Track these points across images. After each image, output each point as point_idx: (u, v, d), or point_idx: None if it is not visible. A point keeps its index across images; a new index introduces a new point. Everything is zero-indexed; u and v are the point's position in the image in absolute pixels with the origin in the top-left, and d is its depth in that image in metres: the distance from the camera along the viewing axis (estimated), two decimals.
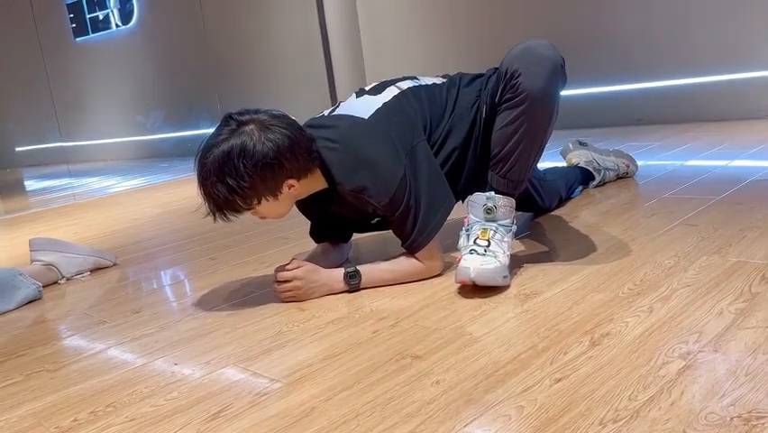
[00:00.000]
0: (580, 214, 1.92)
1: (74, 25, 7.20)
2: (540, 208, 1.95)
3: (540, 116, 1.39)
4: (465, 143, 1.57)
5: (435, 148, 1.55)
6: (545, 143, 1.46)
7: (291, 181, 1.42)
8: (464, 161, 1.59)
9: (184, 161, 5.87)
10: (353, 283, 1.48)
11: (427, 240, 1.46)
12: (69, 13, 7.20)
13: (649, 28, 3.66)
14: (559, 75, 1.39)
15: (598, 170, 2.22)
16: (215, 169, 1.36)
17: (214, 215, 1.41)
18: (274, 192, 1.41)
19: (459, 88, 1.61)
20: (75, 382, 1.20)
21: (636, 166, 2.36)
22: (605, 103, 3.87)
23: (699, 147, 2.82)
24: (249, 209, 1.42)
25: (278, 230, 2.29)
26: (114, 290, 1.83)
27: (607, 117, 3.85)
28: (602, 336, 1.08)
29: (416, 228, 1.45)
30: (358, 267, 1.50)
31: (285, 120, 1.41)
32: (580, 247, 1.60)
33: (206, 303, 1.58)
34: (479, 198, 1.42)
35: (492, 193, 1.41)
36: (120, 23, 6.73)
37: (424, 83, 1.63)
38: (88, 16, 7.03)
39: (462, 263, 1.34)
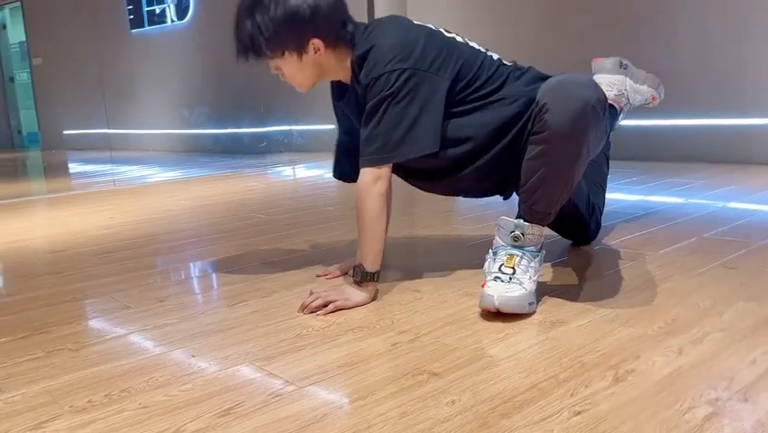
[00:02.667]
0: (616, 244, 1.88)
1: (131, 17, 7.38)
2: (588, 239, 1.90)
3: (563, 155, 1.34)
4: (496, 130, 1.50)
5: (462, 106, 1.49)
6: (575, 180, 1.40)
7: (317, 41, 1.44)
8: (489, 147, 1.52)
9: (223, 157, 5.96)
10: (362, 277, 1.45)
11: (382, 159, 1.41)
12: (128, 5, 7.38)
13: (707, 65, 3.58)
14: (589, 116, 1.31)
15: (624, 108, 1.99)
16: (249, 5, 1.44)
17: (239, 55, 1.48)
18: (299, 48, 1.45)
19: (519, 77, 1.53)
20: (94, 363, 1.22)
21: (661, 96, 2.02)
22: (653, 136, 3.79)
23: (744, 190, 2.74)
24: (272, 57, 1.46)
25: (308, 233, 2.29)
26: (141, 277, 1.85)
27: (654, 151, 3.77)
28: (627, 372, 1.04)
29: (379, 137, 1.41)
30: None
31: None
32: (612, 279, 1.56)
33: (230, 298, 1.58)
34: (507, 224, 1.39)
35: (521, 221, 1.38)
36: (175, 18, 6.87)
37: (490, 53, 1.58)
38: (146, 9, 7.21)
39: (486, 290, 1.32)
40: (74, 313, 1.54)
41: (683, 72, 3.65)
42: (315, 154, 5.18)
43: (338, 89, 1.63)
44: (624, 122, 3.33)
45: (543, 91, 1.37)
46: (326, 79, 1.59)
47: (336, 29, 1.48)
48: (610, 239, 1.95)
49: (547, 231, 1.86)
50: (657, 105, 1.99)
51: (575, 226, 1.83)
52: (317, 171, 4.68)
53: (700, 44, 3.60)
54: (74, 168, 6.55)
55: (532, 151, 1.37)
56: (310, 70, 1.50)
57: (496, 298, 1.29)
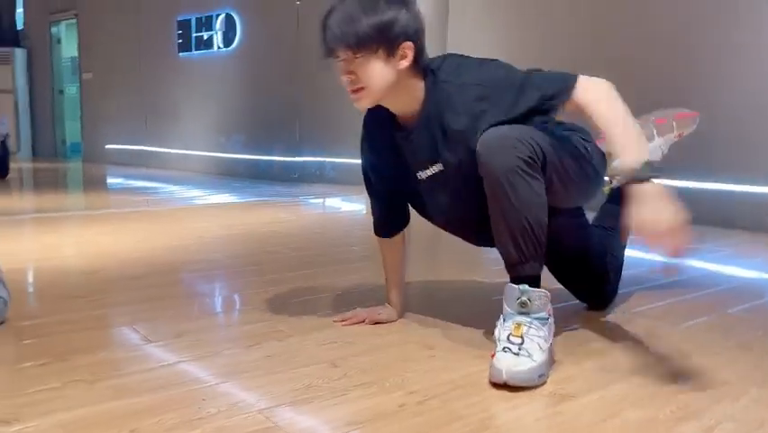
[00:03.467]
0: (636, 313, 1.86)
1: (180, 41, 7.62)
2: (604, 301, 1.89)
3: (505, 194, 1.40)
4: None
5: None
6: (536, 213, 1.42)
7: (408, 45, 1.44)
8: None
9: (257, 183, 6.06)
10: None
11: (572, 77, 1.44)
12: (178, 30, 7.63)
13: (745, 130, 3.55)
14: (510, 153, 1.38)
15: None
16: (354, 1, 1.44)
17: (329, 45, 1.44)
18: (391, 48, 1.43)
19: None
20: (108, 398, 1.25)
21: (688, 128, 1.92)
22: (692, 198, 3.75)
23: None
24: (358, 54, 1.42)
25: (331, 273, 2.32)
26: (164, 307, 1.89)
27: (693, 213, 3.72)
28: None
29: (553, 80, 1.45)
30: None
31: None
32: (628, 352, 1.54)
33: (247, 339, 1.60)
34: (512, 292, 1.40)
35: (526, 286, 1.39)
36: (222, 45, 7.07)
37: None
38: (194, 35, 7.44)
39: (495, 363, 1.32)
40: (95, 342, 1.58)
41: (724, 136, 3.62)
42: (347, 187, 5.23)
43: (385, 125, 1.60)
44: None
45: (481, 141, 1.42)
46: (387, 102, 1.52)
47: (423, 47, 1.48)
48: (630, 307, 1.93)
49: (564, 295, 1.87)
50: (694, 130, 1.94)
51: (588, 282, 1.84)
52: (347, 205, 4.73)
53: (740, 107, 3.57)
54: (111, 183, 6.72)
55: (489, 205, 1.46)
56: (389, 78, 1.45)
57: (504, 372, 1.29)
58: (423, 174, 1.58)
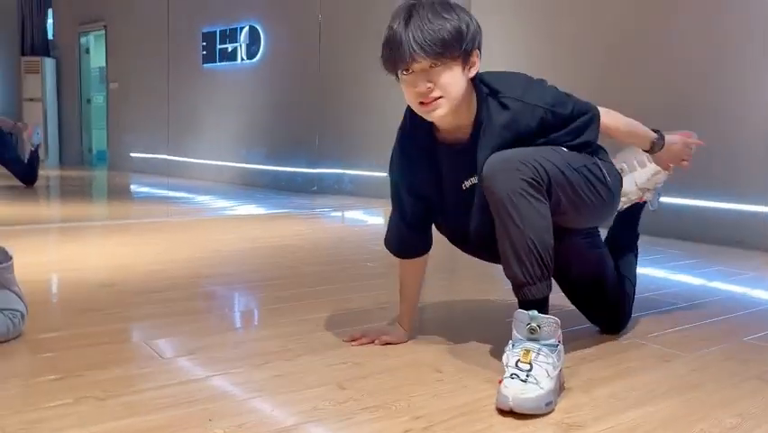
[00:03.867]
0: (651, 339, 1.84)
1: (204, 53, 7.74)
2: (618, 325, 1.88)
3: (509, 215, 1.42)
4: None
5: None
6: (540, 234, 1.43)
7: (477, 53, 1.46)
8: None
9: (278, 194, 6.11)
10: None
11: (594, 108, 1.59)
12: (203, 41, 7.75)
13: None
14: (514, 175, 1.41)
15: (647, 197, 2.00)
16: (431, 2, 1.42)
17: (396, 52, 1.40)
18: (468, 54, 1.44)
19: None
20: (118, 416, 1.26)
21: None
22: (705, 217, 3.70)
23: None
24: (439, 62, 1.40)
25: (345, 291, 2.33)
26: (179, 323, 1.91)
27: (705, 233, 3.68)
28: None
29: (583, 108, 1.58)
30: None
31: None
32: (639, 380, 1.53)
33: (257, 357, 1.62)
34: (522, 317, 1.39)
35: (535, 312, 1.38)
36: (245, 57, 7.17)
37: None
38: (219, 47, 7.55)
39: (502, 389, 1.32)
40: (109, 357, 1.60)
41: (739, 150, 3.57)
42: (364, 200, 5.25)
43: (424, 141, 1.60)
44: (683, 200, 3.24)
45: (486, 163, 1.47)
46: (452, 120, 1.51)
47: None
48: (645, 332, 1.91)
49: (576, 318, 1.86)
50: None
51: (602, 309, 1.83)
52: (364, 218, 4.74)
53: (762, 123, 3.52)
54: (134, 193, 6.82)
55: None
56: (464, 86, 1.46)
57: (511, 399, 1.29)
58: (467, 183, 1.59)
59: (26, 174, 6.24)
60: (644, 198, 1.88)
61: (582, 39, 4.30)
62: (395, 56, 1.42)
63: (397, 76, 1.48)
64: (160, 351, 1.65)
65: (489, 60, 1.63)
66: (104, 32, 9.72)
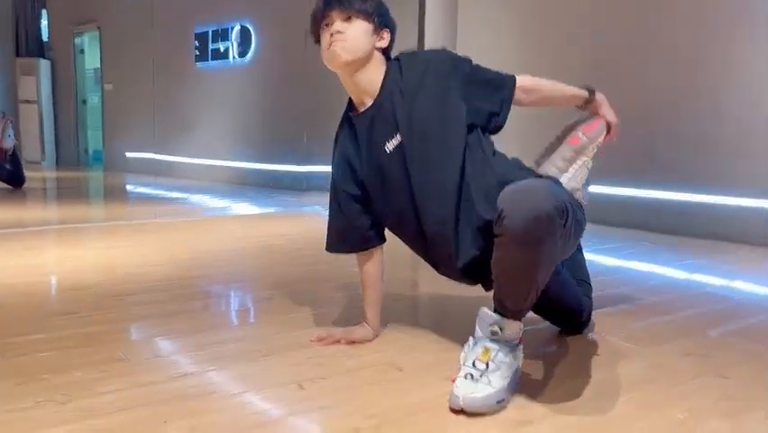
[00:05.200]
0: (614, 336, 1.85)
1: (197, 52, 7.75)
2: (579, 329, 1.88)
3: (522, 261, 1.34)
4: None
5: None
6: (539, 282, 1.39)
7: (387, 32, 1.67)
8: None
9: (267, 193, 6.12)
10: None
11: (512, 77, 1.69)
12: (195, 41, 7.77)
13: (748, 140, 3.51)
14: (544, 227, 1.29)
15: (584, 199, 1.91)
16: None
17: (314, 14, 1.66)
18: (378, 26, 1.64)
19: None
20: (74, 419, 1.28)
21: (604, 131, 1.83)
22: (688, 210, 3.72)
23: None
24: (352, 17, 1.61)
25: (321, 290, 2.35)
26: (148, 327, 1.93)
27: (687, 226, 3.69)
28: None
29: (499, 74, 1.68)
30: None
31: None
32: (594, 378, 1.54)
33: (222, 360, 1.63)
34: (487, 317, 1.40)
35: (500, 316, 1.40)
36: (237, 56, 7.18)
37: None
38: (211, 46, 7.56)
39: (454, 389, 1.33)
40: (73, 361, 1.62)
41: (722, 144, 3.58)
42: None
43: (350, 130, 1.73)
44: (660, 194, 3.22)
45: (502, 196, 1.36)
46: (353, 77, 1.66)
47: (393, 44, 1.70)
48: (611, 327, 1.93)
49: (538, 317, 1.87)
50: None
51: (563, 316, 1.83)
52: None
53: (745, 117, 3.53)
54: (126, 193, 6.84)
55: (496, 251, 1.38)
56: (368, 46, 1.63)
57: (461, 398, 1.31)
58: (390, 145, 1.65)
59: (10, 177, 6.28)
60: (577, 197, 1.81)
61: (564, 36, 4.31)
62: (318, 13, 1.64)
63: (318, 40, 1.67)
64: (126, 354, 1.68)
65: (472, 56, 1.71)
66: (98, 32, 9.74)
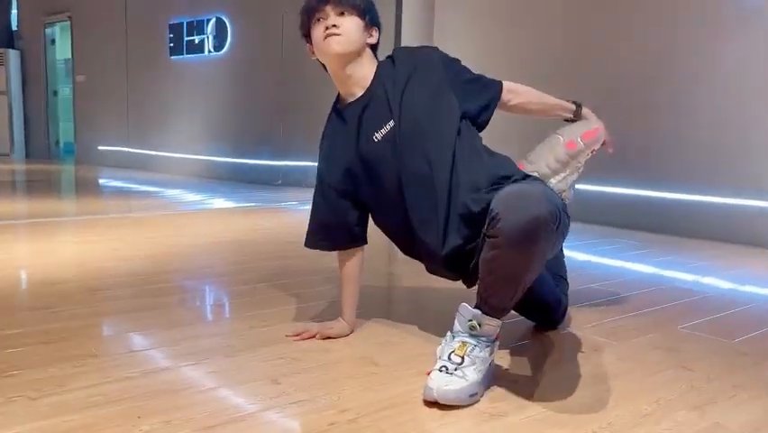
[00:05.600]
0: (585, 330, 1.89)
1: (172, 45, 7.66)
2: (554, 323, 1.91)
3: (513, 263, 1.37)
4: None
5: None
6: (526, 283, 1.42)
7: (376, 30, 1.72)
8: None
9: (242, 188, 6.09)
10: None
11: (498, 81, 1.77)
12: (170, 33, 7.67)
13: (719, 139, 3.58)
14: (540, 231, 1.32)
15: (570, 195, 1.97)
16: None
17: (306, 8, 1.69)
18: (369, 23, 1.69)
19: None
20: (45, 416, 1.27)
21: (602, 138, 1.88)
22: (659, 208, 3.79)
23: (746, 275, 2.72)
24: (346, 12, 1.65)
25: (294, 286, 2.35)
26: (120, 322, 1.92)
27: (658, 223, 3.76)
28: None
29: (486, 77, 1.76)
30: None
31: None
32: (566, 371, 1.57)
33: (195, 355, 1.63)
34: (466, 312, 1.42)
35: (478, 312, 1.41)
36: (212, 50, 7.11)
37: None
38: (186, 38, 7.47)
39: (429, 382, 1.35)
40: (44, 356, 1.60)
41: (694, 144, 3.65)
42: None
43: (339, 125, 1.75)
44: (630, 190, 3.30)
45: (497, 199, 1.39)
46: (346, 69, 1.69)
47: (379, 42, 1.76)
48: (583, 322, 1.96)
49: (514, 312, 1.89)
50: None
51: (540, 312, 1.85)
52: None
53: (716, 118, 3.60)
54: (98, 187, 6.75)
55: (486, 251, 1.40)
56: (360, 41, 1.68)
57: (435, 390, 1.33)
58: (379, 134, 1.67)
59: None
60: (563, 197, 1.85)
61: (539, 38, 4.35)
62: (311, 8, 1.68)
63: (308, 37, 1.71)
64: (97, 349, 1.66)
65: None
66: (69, 22, 9.57)
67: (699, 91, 3.65)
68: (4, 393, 1.37)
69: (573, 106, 1.88)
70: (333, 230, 1.78)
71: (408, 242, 1.74)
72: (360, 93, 1.71)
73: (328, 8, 1.65)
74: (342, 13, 1.65)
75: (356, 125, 1.70)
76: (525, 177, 1.63)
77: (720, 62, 3.56)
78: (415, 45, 1.88)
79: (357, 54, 1.68)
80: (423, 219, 1.64)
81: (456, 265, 1.65)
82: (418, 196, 1.64)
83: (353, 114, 1.71)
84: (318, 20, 1.67)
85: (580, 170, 1.85)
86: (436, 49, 1.77)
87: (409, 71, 1.69)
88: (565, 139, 1.81)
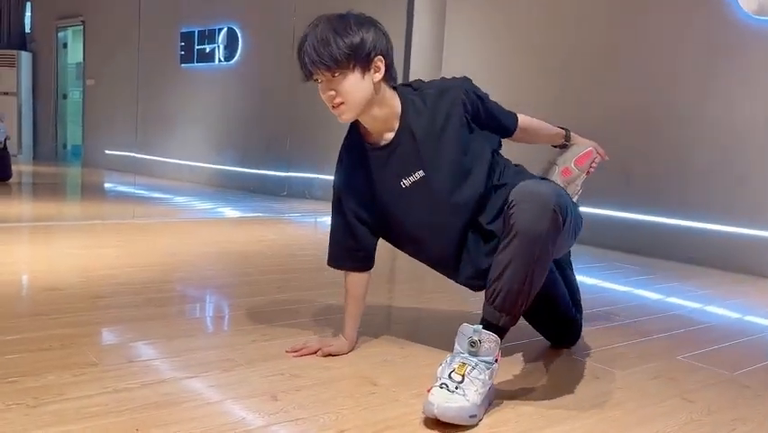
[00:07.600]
0: (588, 355, 1.88)
1: (182, 53, 7.73)
2: (572, 339, 1.94)
3: (529, 252, 1.45)
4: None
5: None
6: (535, 279, 1.47)
7: (379, 59, 1.58)
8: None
9: (248, 198, 6.10)
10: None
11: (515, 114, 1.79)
12: (181, 41, 7.74)
13: (725, 168, 3.58)
14: (549, 219, 1.44)
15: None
16: (328, 24, 1.56)
17: (309, 68, 1.56)
18: (365, 63, 1.56)
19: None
20: (44, 424, 1.27)
21: (596, 158, 1.98)
22: (663, 233, 3.78)
23: (747, 306, 2.71)
24: (336, 73, 1.54)
25: (295, 299, 2.35)
26: (121, 331, 1.92)
27: (662, 248, 3.75)
28: None
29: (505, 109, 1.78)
30: None
31: None
32: (567, 398, 1.57)
33: (195, 367, 1.63)
34: (467, 330, 1.43)
35: (480, 327, 1.42)
36: (223, 59, 7.17)
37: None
38: (197, 47, 7.54)
39: (429, 397, 1.35)
40: (45, 364, 1.60)
41: (696, 171, 3.65)
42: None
43: (360, 150, 1.72)
44: (632, 215, 3.28)
45: (513, 192, 1.50)
46: (368, 116, 1.63)
47: (392, 62, 1.64)
48: (584, 348, 1.96)
49: (529, 332, 1.90)
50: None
51: (557, 325, 1.90)
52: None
53: (720, 145, 3.60)
54: (104, 191, 6.78)
55: (501, 246, 1.49)
56: (367, 90, 1.58)
57: (436, 406, 1.33)
58: (407, 181, 1.67)
59: None
60: None
61: (544, 53, 4.37)
62: (302, 70, 1.61)
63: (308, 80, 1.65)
64: (97, 358, 1.66)
65: (457, 71, 1.79)
66: (82, 27, 9.64)
67: (701, 117, 3.65)
68: (3, 400, 1.37)
69: (563, 132, 1.93)
70: (355, 253, 1.79)
71: (424, 261, 1.82)
72: (388, 136, 1.67)
73: (319, 73, 1.57)
74: (334, 75, 1.55)
75: (382, 168, 1.69)
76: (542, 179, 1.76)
77: (723, 88, 3.57)
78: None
79: (369, 103, 1.61)
80: (439, 259, 1.75)
81: (477, 281, 1.71)
82: (436, 237, 1.71)
83: (379, 160, 1.69)
84: (316, 80, 1.60)
85: (580, 193, 1.94)
86: (466, 81, 1.70)
87: (441, 123, 1.64)
88: (560, 167, 1.92)
